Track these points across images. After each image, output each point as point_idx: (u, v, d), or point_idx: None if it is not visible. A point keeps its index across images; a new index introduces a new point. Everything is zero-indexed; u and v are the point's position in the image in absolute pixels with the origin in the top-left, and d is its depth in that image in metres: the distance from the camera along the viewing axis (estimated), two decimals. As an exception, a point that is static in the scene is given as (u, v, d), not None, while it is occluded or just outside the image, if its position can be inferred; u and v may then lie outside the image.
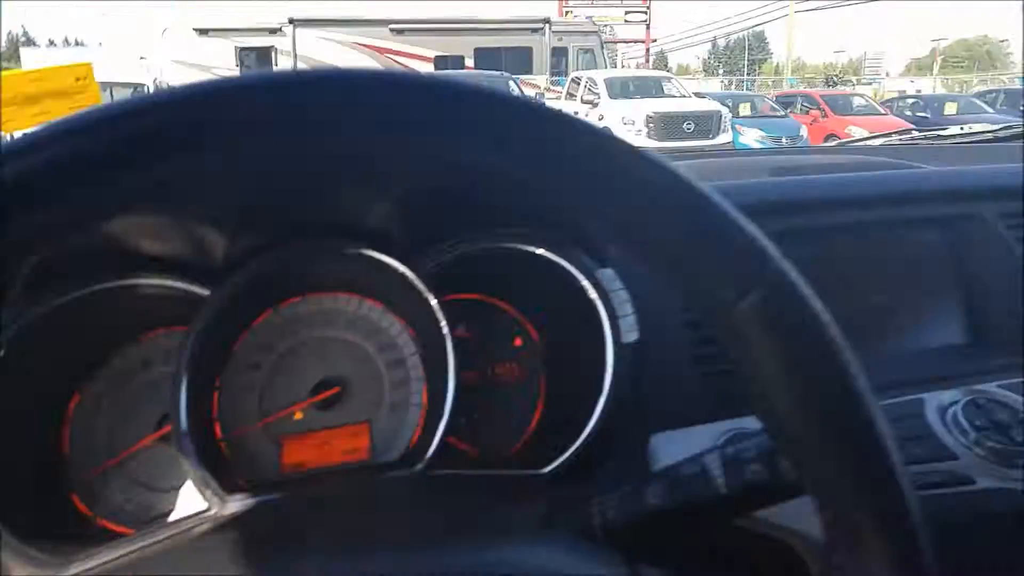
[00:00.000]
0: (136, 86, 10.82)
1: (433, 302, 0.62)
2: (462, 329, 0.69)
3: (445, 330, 0.61)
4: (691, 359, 0.69)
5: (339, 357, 0.67)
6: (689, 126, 10.27)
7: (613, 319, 0.63)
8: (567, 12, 20.00)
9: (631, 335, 0.63)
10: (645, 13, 20.76)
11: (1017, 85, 20.06)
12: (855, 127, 12.40)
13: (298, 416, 0.65)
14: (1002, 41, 52.80)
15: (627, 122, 10.36)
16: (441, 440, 0.58)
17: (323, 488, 0.58)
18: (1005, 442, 0.68)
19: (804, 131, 12.08)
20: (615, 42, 25.76)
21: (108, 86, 10.90)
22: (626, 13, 20.96)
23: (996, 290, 0.84)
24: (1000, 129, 1.63)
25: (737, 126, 11.58)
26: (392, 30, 16.01)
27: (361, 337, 0.68)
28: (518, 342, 0.73)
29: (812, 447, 0.31)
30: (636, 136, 10.16)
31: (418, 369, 0.67)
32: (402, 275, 0.63)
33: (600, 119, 10.88)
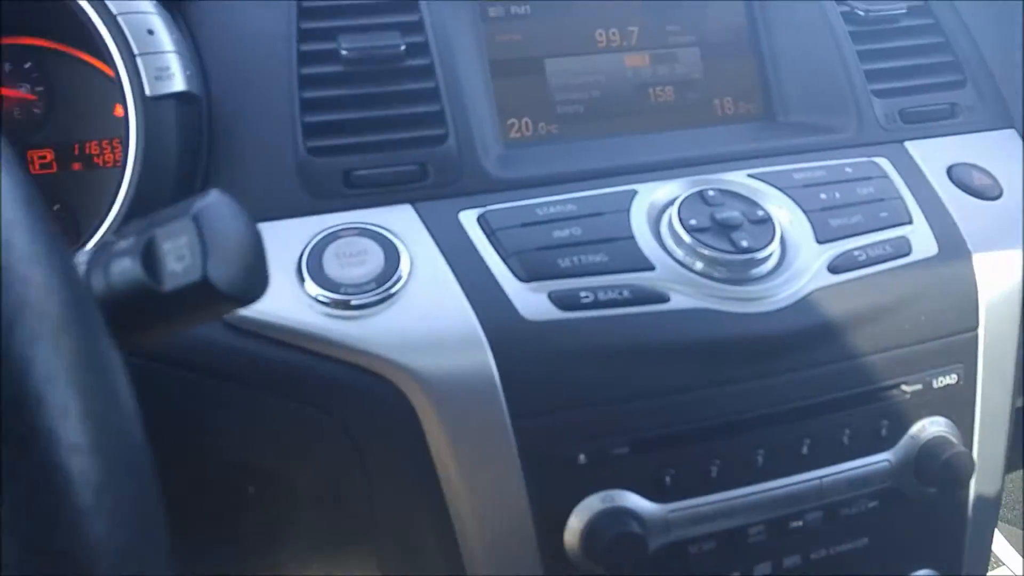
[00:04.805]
0: None
1: None
2: (26, 89, 0.56)
3: None
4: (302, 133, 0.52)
5: None
6: None
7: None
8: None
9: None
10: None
11: None
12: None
13: None
14: None
15: None
16: None
17: None
18: (724, 248, 0.51)
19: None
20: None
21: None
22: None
23: (794, 60, 0.66)
24: None
25: None
26: None
27: None
28: (119, 112, 0.54)
29: None
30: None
31: None
32: None
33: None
